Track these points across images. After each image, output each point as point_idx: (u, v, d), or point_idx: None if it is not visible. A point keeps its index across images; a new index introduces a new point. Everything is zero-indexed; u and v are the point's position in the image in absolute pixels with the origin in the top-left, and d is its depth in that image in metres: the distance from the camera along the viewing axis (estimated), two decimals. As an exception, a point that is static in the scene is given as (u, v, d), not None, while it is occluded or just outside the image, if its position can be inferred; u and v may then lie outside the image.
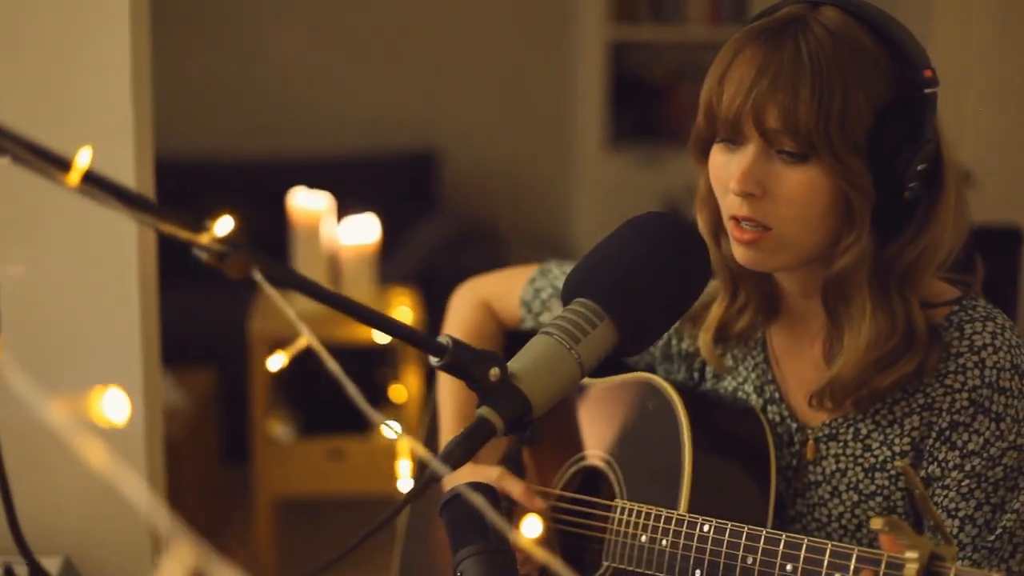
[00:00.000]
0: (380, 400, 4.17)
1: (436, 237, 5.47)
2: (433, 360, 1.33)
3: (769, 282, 1.79)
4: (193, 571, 0.70)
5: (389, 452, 4.05)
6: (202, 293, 4.06)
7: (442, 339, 1.32)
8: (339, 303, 1.29)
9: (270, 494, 4.01)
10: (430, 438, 2.15)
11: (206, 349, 4.62)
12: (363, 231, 4.10)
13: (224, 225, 1.14)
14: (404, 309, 3.97)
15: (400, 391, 4.08)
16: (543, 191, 6.47)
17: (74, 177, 1.08)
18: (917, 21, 3.75)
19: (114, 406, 0.77)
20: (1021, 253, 3.76)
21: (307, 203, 4.02)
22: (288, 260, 3.98)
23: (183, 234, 1.14)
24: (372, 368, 4.21)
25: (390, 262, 4.74)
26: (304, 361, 4.36)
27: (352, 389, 1.16)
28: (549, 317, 2.00)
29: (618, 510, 1.75)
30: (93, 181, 1.10)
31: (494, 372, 1.34)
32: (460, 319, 2.07)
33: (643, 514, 1.72)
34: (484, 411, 1.34)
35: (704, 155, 1.73)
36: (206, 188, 5.28)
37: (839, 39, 1.61)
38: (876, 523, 1.35)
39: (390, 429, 1.20)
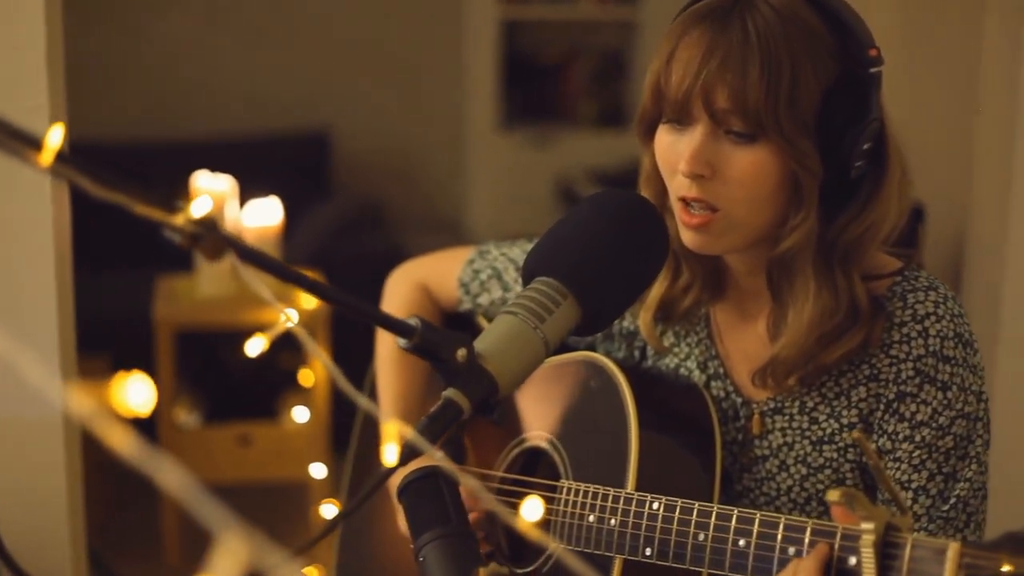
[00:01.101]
0: (288, 385, 4.13)
1: (332, 219, 5.43)
2: (401, 342, 1.31)
3: (714, 260, 1.78)
4: (246, 566, 0.67)
5: (297, 437, 4.01)
6: (95, 280, 3.99)
7: (411, 320, 1.30)
8: (305, 283, 1.26)
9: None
10: (367, 417, 2.14)
11: (100, 337, 4.54)
12: (266, 214, 4.05)
13: (199, 207, 1.10)
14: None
15: (308, 375, 4.04)
16: (436, 172, 6.45)
17: (46, 157, 1.05)
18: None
19: (137, 393, 0.74)
20: (921, 231, 3.82)
21: (210, 186, 3.96)
22: (192, 243, 3.91)
23: (158, 215, 1.11)
24: (277, 352, 4.16)
25: (287, 244, 4.69)
26: (207, 347, 4.30)
27: (338, 374, 1.13)
28: (488, 298, 1.99)
29: (564, 490, 1.74)
30: (65, 161, 1.06)
31: (461, 353, 1.32)
32: (399, 301, 2.05)
33: (590, 494, 1.71)
34: (451, 393, 1.32)
35: (649, 135, 1.72)
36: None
37: (786, 18, 1.61)
38: (832, 495, 1.35)
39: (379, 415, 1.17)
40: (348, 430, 2.22)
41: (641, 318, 1.85)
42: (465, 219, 6.35)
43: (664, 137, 1.67)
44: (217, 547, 0.67)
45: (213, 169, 4.13)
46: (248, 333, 4.37)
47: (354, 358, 1.91)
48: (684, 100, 1.62)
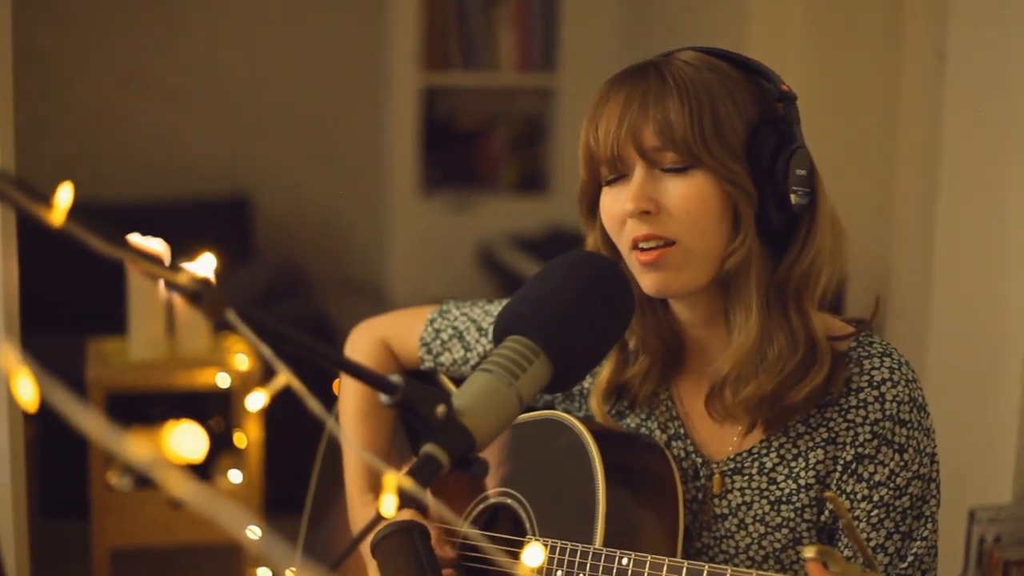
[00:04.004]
0: (221, 447, 4.12)
1: (253, 284, 5.42)
2: (384, 398, 1.33)
3: (669, 326, 1.83)
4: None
5: (231, 499, 3.99)
6: (25, 343, 3.96)
7: (393, 378, 1.33)
8: (305, 343, 1.28)
9: (107, 546, 3.91)
10: (325, 464, 2.15)
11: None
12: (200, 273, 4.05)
13: (201, 266, 1.13)
14: (242, 356, 3.92)
15: (241, 437, 4.03)
16: (357, 237, 6.46)
17: (57, 216, 1.07)
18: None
19: (188, 441, 0.77)
20: (845, 300, 3.89)
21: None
22: (125, 306, 3.90)
23: (161, 274, 1.13)
24: (208, 414, 4.16)
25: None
26: (139, 409, 4.25)
27: (335, 426, 1.16)
28: (449, 358, 2.02)
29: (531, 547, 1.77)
30: (77, 219, 1.08)
31: (441, 409, 1.34)
32: (362, 358, 2.07)
33: (558, 549, 1.73)
34: (430, 448, 1.34)
35: (592, 211, 1.79)
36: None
37: (699, 67, 1.71)
38: (809, 552, 1.39)
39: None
40: (282, 492, 2.22)
41: (592, 401, 1.88)
42: (386, 283, 6.37)
43: (607, 197, 1.74)
44: None
45: (134, 233, 4.12)
46: (180, 395, 4.34)
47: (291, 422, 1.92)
48: (615, 150, 1.69)
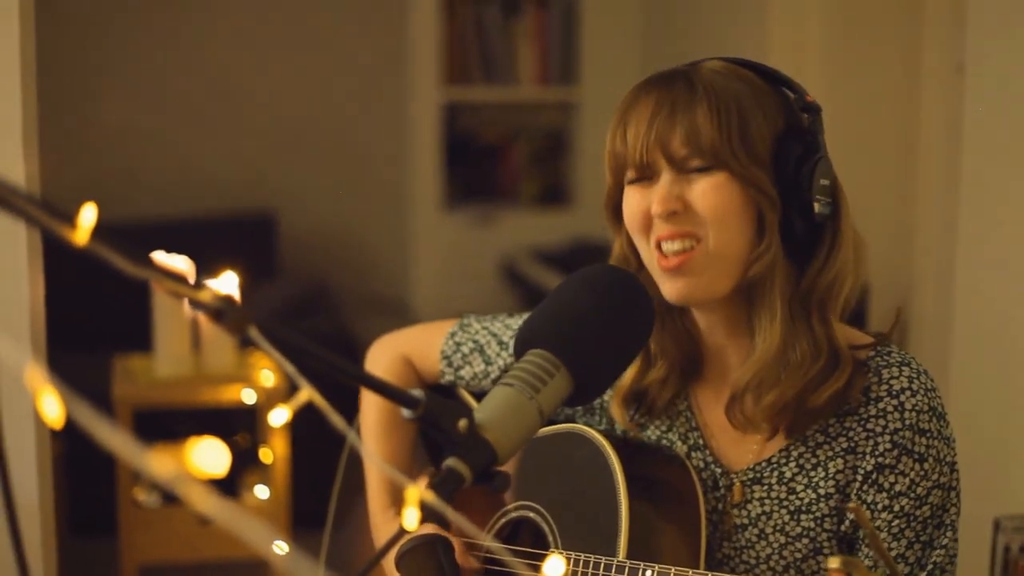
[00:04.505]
0: (248, 463, 4.14)
1: (278, 301, 5.44)
2: (406, 413, 1.34)
3: (688, 334, 1.84)
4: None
5: (258, 515, 4.01)
6: (52, 361, 3.99)
7: (415, 392, 1.34)
8: (326, 359, 1.29)
9: (135, 562, 3.93)
10: (346, 478, 2.16)
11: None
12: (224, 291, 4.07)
13: (224, 283, 1.14)
14: (267, 372, 3.94)
15: (267, 453, 4.05)
16: (381, 253, 6.48)
17: (81, 236, 1.09)
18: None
19: (212, 456, 0.78)
20: (868, 311, 3.89)
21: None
22: (151, 324, 3.93)
23: (184, 292, 1.15)
24: (235, 430, 4.18)
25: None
26: (166, 426, 4.27)
27: (356, 440, 1.17)
28: (469, 372, 2.03)
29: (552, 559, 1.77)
30: (100, 238, 1.10)
31: (463, 423, 1.35)
32: (382, 372, 2.08)
33: (581, 561, 1.74)
34: (452, 462, 1.35)
35: (619, 216, 1.80)
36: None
37: (727, 76, 1.73)
38: (833, 562, 1.39)
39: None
40: (308, 507, 2.23)
41: (612, 405, 1.90)
42: (410, 298, 6.38)
43: (632, 196, 1.75)
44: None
45: (160, 251, 4.14)
46: (206, 412, 4.35)
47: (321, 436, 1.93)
48: (643, 156, 1.71)
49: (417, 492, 1.17)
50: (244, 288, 5.13)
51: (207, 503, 0.71)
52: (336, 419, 1.22)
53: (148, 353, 4.05)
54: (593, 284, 1.57)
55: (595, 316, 1.51)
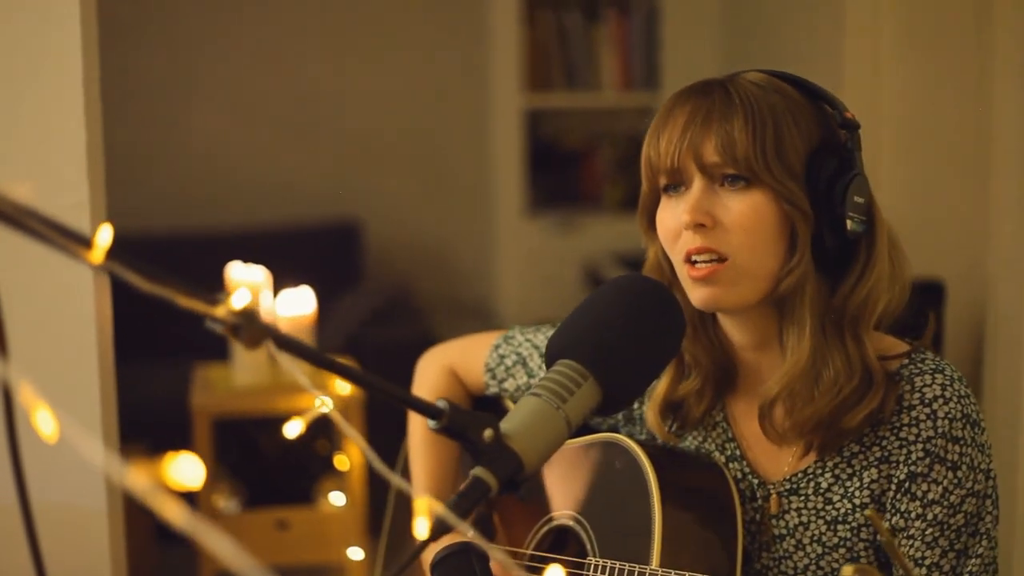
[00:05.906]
0: (324, 470, 4.19)
1: (362, 307, 5.50)
2: (431, 423, 1.37)
3: (720, 346, 1.85)
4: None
5: (334, 521, 4.07)
6: (133, 370, 4.07)
7: (440, 403, 1.36)
8: (339, 368, 1.32)
9: (214, 570, 3.99)
10: (400, 498, 2.19)
11: (138, 425, 4.60)
12: (299, 303, 4.13)
13: (239, 299, 1.17)
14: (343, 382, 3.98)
15: (343, 460, 4.10)
16: (464, 259, 6.52)
17: (97, 255, 1.12)
18: (827, 73, 3.88)
19: (188, 470, 0.81)
20: (945, 307, 3.86)
21: (244, 277, 4.04)
22: (227, 334, 3.98)
23: (201, 307, 1.18)
24: (312, 438, 4.23)
25: (319, 333, 4.76)
26: (244, 434, 4.34)
27: (373, 456, 1.19)
28: (513, 384, 2.05)
29: (591, 567, 1.79)
30: (114, 257, 1.13)
31: (488, 433, 1.37)
32: (429, 385, 2.11)
33: (616, 570, 1.75)
34: (479, 471, 1.37)
35: (652, 223, 1.81)
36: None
37: (765, 88, 1.73)
38: (847, 571, 1.40)
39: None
40: (384, 513, 2.27)
41: (648, 413, 1.91)
42: (494, 304, 6.41)
43: (665, 209, 1.77)
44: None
45: (245, 260, 4.21)
46: (284, 420, 4.42)
47: (387, 441, 1.96)
48: (675, 162, 1.72)
49: (427, 502, 1.20)
50: (329, 296, 5.20)
51: (177, 515, 0.74)
52: (352, 433, 1.25)
53: (226, 362, 4.11)
54: (622, 294, 1.59)
55: (623, 326, 1.53)
